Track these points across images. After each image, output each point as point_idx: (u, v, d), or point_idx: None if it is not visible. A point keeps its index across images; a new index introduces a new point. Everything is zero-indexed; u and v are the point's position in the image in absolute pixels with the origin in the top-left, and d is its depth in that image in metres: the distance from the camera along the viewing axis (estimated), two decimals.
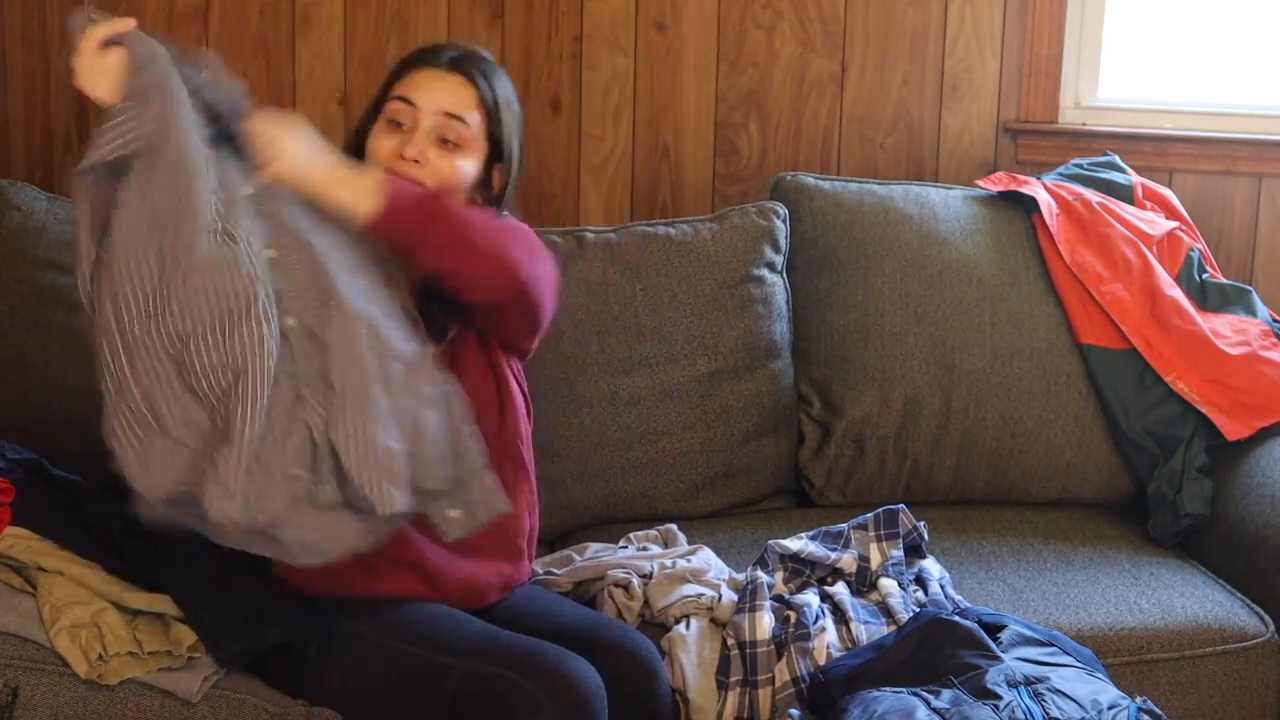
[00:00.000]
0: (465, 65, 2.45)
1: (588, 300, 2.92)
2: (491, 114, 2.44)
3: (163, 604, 2.36)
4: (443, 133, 2.40)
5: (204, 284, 2.12)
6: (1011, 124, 3.40)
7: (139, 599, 2.36)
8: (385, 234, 2.25)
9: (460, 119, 2.41)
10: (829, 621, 2.44)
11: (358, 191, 2.25)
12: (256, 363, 2.12)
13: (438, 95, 2.41)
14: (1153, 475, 2.94)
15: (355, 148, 2.46)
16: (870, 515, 2.66)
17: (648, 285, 2.96)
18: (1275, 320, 3.07)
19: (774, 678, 2.37)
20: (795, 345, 3.07)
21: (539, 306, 2.38)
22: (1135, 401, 2.97)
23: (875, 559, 2.60)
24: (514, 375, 2.50)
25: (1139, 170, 3.25)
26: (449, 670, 2.23)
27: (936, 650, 2.25)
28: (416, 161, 2.38)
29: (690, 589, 2.52)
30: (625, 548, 2.73)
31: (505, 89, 2.49)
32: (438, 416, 2.21)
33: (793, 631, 2.40)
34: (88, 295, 2.18)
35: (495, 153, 2.46)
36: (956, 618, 2.30)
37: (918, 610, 2.45)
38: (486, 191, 2.47)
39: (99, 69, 2.19)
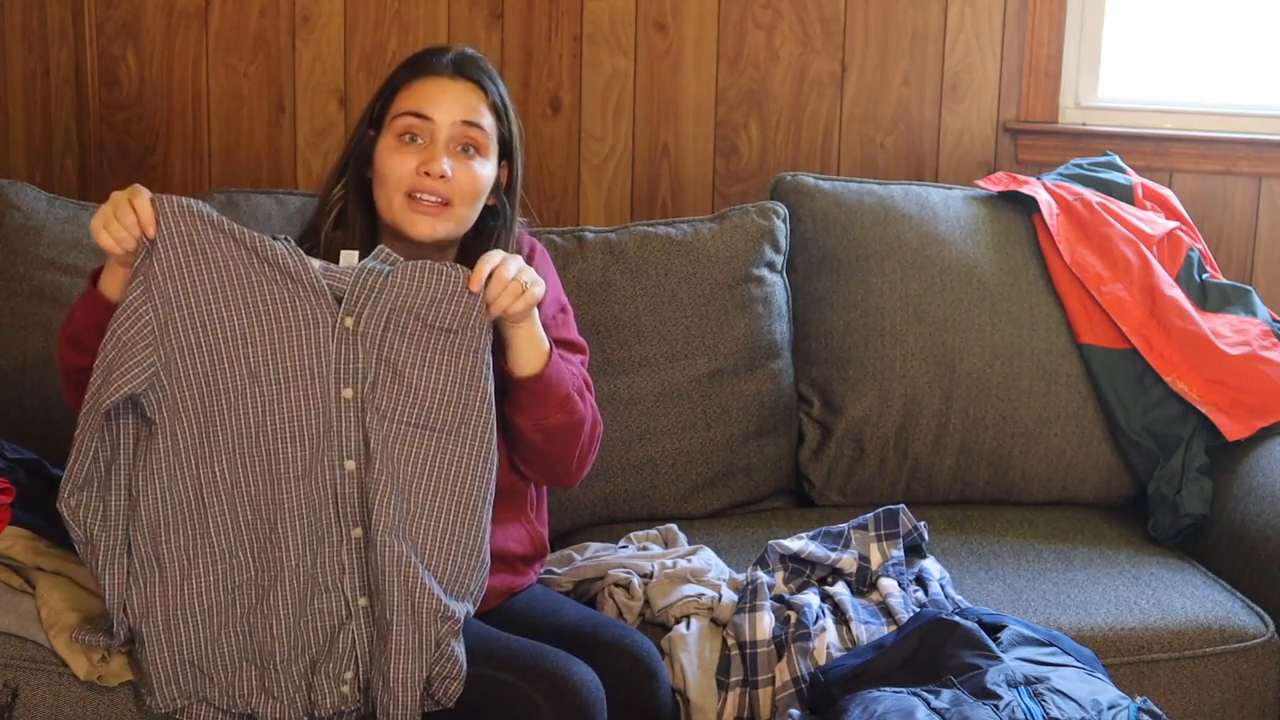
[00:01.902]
0: (470, 70, 2.43)
1: (588, 300, 2.92)
2: (501, 114, 2.43)
3: None
4: (462, 141, 2.38)
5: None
6: (1011, 124, 3.40)
7: None
8: (518, 391, 2.28)
9: (477, 125, 2.39)
10: (829, 621, 2.44)
11: (540, 343, 2.28)
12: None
13: (452, 105, 2.38)
14: (1153, 475, 2.94)
15: (358, 165, 2.44)
16: (870, 515, 2.66)
17: (648, 285, 2.96)
18: (1275, 320, 3.07)
19: (774, 678, 2.37)
20: (795, 345, 3.07)
21: (577, 480, 2.46)
22: (1135, 401, 2.97)
23: (875, 559, 2.60)
24: None
25: (1139, 170, 3.24)
26: None
27: (936, 650, 2.25)
28: (444, 177, 2.35)
29: (690, 589, 2.52)
30: (625, 547, 2.73)
31: (504, 87, 2.48)
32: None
33: (793, 631, 2.40)
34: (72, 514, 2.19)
35: (503, 151, 2.45)
36: (956, 618, 2.30)
37: (918, 610, 2.45)
38: (497, 189, 2.46)
39: (124, 222, 2.15)
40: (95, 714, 2.30)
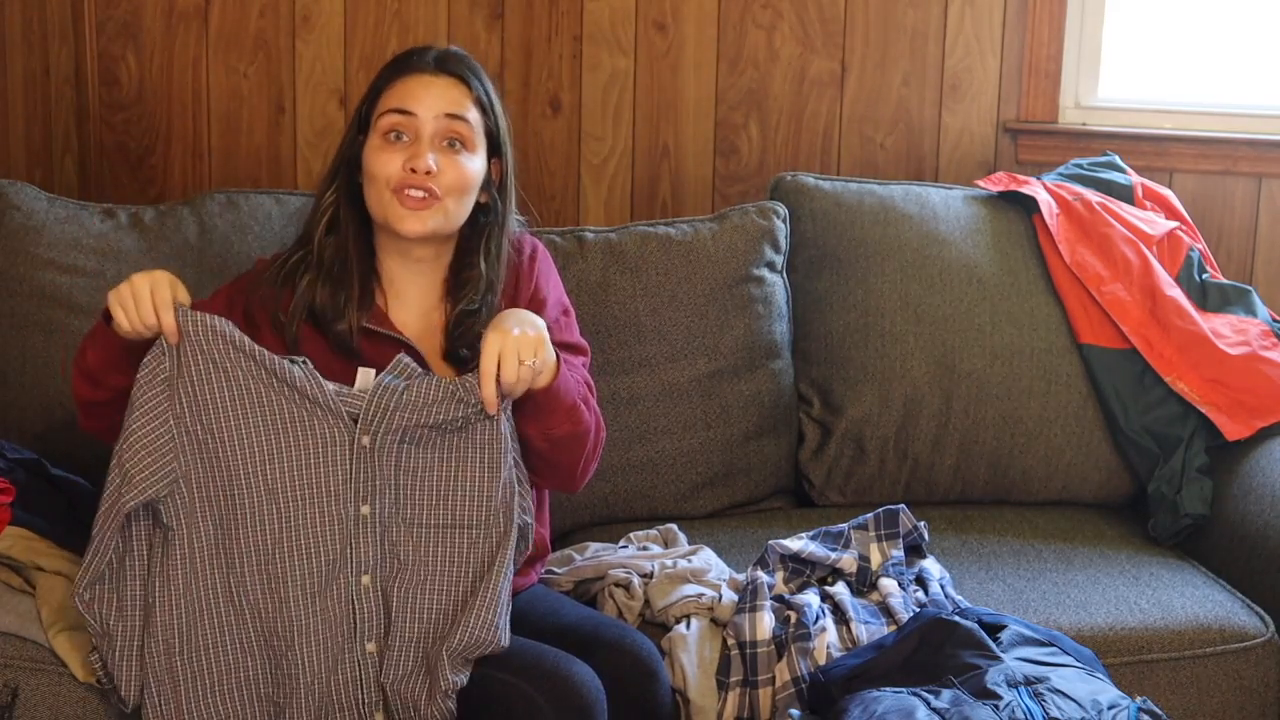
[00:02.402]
0: (452, 65, 2.42)
1: (588, 300, 2.92)
2: (487, 109, 2.42)
3: None
4: (447, 135, 2.38)
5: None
6: (1011, 124, 3.40)
7: None
8: (530, 401, 2.27)
9: (461, 118, 2.39)
10: (829, 621, 2.44)
11: (550, 363, 2.27)
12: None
13: (435, 100, 2.38)
14: (1153, 475, 2.94)
15: (348, 168, 2.43)
16: (870, 515, 2.66)
17: (648, 285, 2.96)
18: (1275, 320, 3.07)
19: (774, 678, 2.37)
20: (795, 345, 3.07)
21: (580, 486, 2.45)
22: (1135, 401, 2.97)
23: (875, 559, 2.60)
24: None
25: (1139, 170, 3.24)
26: None
27: (936, 650, 2.25)
28: (429, 173, 2.34)
29: (691, 589, 2.52)
30: (625, 547, 2.73)
31: (489, 83, 2.47)
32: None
33: (793, 631, 2.40)
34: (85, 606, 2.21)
35: (492, 147, 2.44)
36: (956, 618, 2.30)
37: (918, 610, 2.45)
38: (488, 186, 2.45)
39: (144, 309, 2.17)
40: (95, 714, 2.30)
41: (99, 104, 3.46)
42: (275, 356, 2.20)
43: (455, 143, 2.38)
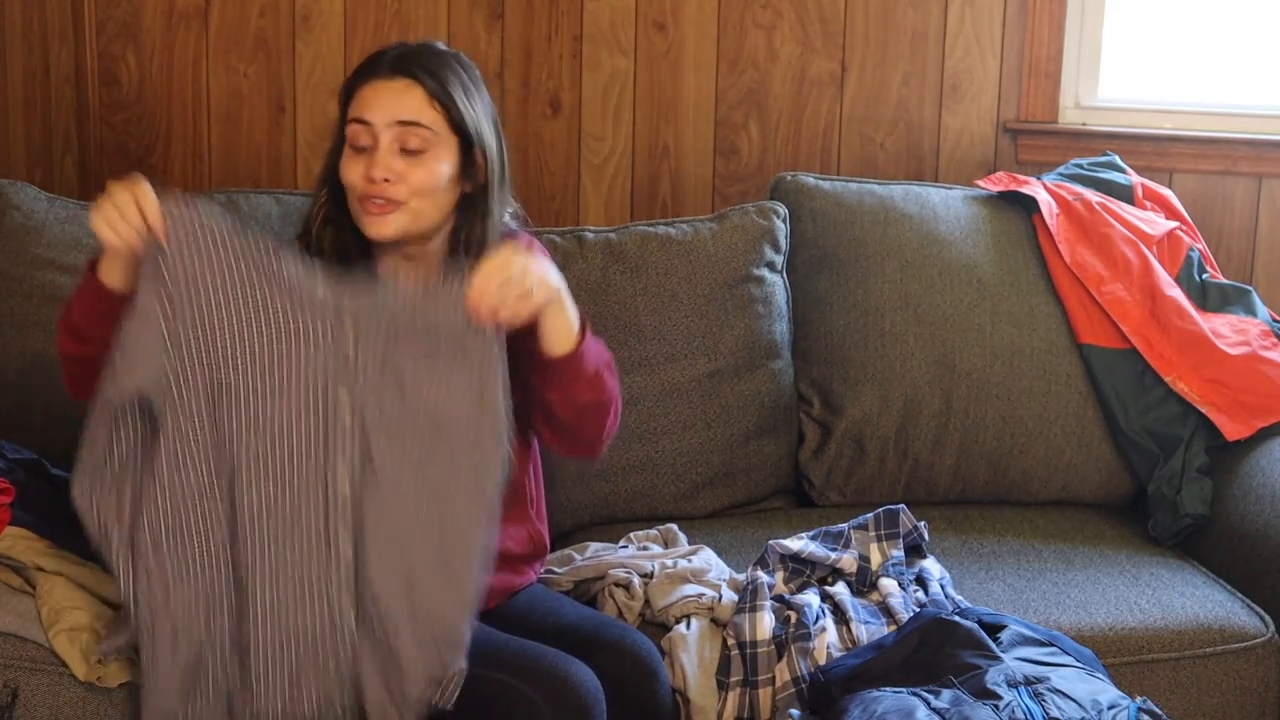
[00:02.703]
0: (406, 65, 2.37)
1: (588, 300, 2.92)
2: (449, 107, 2.36)
3: None
4: (403, 143, 2.33)
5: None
6: (1011, 124, 3.40)
7: None
8: (549, 370, 2.26)
9: (415, 123, 2.34)
10: (829, 621, 2.44)
11: (571, 321, 2.25)
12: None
13: (387, 106, 2.34)
14: (1153, 475, 2.94)
15: (333, 178, 2.42)
16: (870, 515, 2.66)
17: (648, 285, 2.96)
18: (1275, 320, 3.07)
19: (774, 678, 2.37)
20: (795, 345, 3.07)
21: (601, 452, 2.43)
22: (1135, 401, 2.97)
23: (875, 559, 2.60)
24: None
25: (1139, 170, 3.24)
26: None
27: (936, 650, 2.25)
28: (387, 180, 2.32)
29: (691, 589, 2.52)
30: (625, 547, 2.73)
31: (460, 76, 2.39)
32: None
33: (793, 631, 2.40)
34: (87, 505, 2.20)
35: (467, 141, 2.38)
36: (956, 618, 2.30)
37: (918, 610, 2.45)
38: (473, 182, 2.41)
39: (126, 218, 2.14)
40: (95, 714, 2.30)
41: (99, 104, 3.46)
42: (263, 241, 2.16)
43: (413, 148, 2.34)
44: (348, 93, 2.41)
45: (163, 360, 2.15)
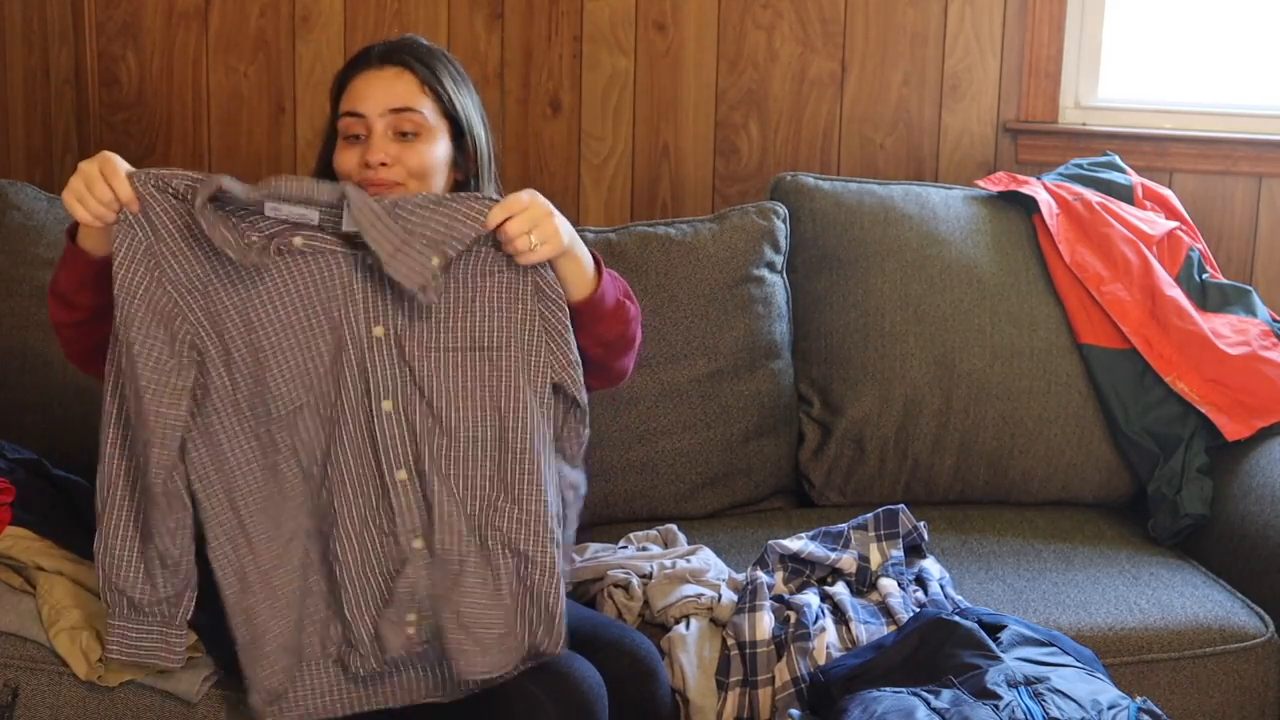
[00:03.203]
0: (396, 55, 2.40)
1: None
2: (439, 93, 2.39)
3: None
4: (398, 128, 2.35)
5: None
6: (1011, 124, 3.40)
7: None
8: (577, 313, 2.26)
9: (410, 109, 2.36)
10: (829, 621, 2.44)
11: (584, 266, 2.26)
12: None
13: (379, 95, 2.36)
14: (1153, 475, 2.94)
15: (325, 174, 2.42)
16: (870, 515, 2.66)
17: (648, 285, 2.96)
18: (1275, 320, 3.07)
19: (774, 678, 2.37)
20: (795, 345, 3.07)
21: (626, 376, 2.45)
22: (1135, 401, 2.97)
23: (875, 559, 2.60)
24: None
25: (1139, 170, 3.25)
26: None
27: (936, 650, 2.25)
28: (384, 164, 2.33)
29: (690, 589, 2.52)
30: (625, 548, 2.73)
31: (448, 68, 2.43)
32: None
33: (793, 631, 2.40)
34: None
35: (458, 129, 2.41)
36: (956, 618, 2.30)
37: (918, 610, 2.45)
38: (464, 169, 2.42)
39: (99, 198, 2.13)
40: (95, 713, 2.30)
41: (99, 104, 3.46)
42: (244, 200, 2.13)
43: (408, 132, 2.36)
44: (338, 90, 2.42)
45: (184, 327, 2.14)
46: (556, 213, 2.20)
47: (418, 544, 2.18)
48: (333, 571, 2.20)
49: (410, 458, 2.18)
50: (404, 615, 2.18)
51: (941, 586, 2.56)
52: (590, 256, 2.28)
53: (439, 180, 2.39)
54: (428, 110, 2.37)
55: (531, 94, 3.42)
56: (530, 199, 2.17)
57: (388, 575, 2.19)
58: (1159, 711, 2.17)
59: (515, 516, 2.19)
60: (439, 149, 2.38)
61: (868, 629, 2.43)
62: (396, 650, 2.19)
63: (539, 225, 2.17)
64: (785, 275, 3.08)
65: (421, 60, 2.40)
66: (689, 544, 2.73)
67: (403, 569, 2.18)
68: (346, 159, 2.37)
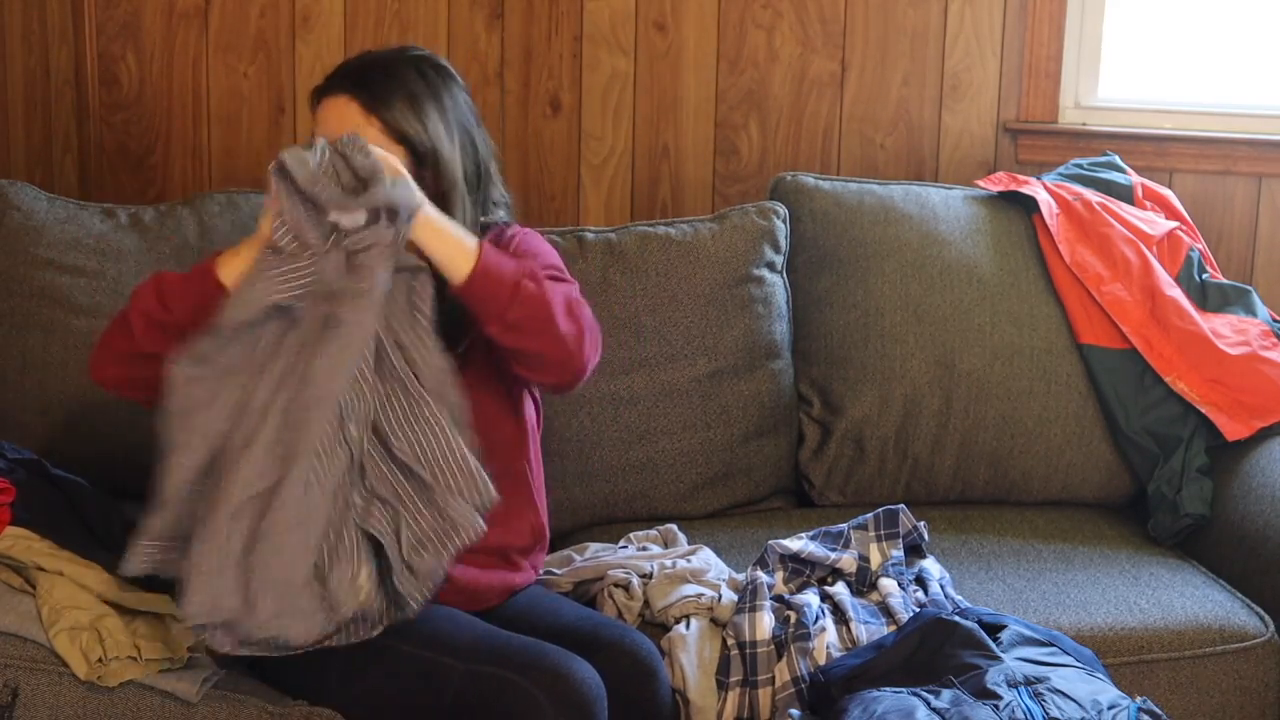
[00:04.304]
0: (346, 79, 2.38)
1: (588, 300, 2.91)
2: (385, 118, 2.34)
3: (162, 604, 2.36)
4: None
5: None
6: (1011, 124, 3.40)
7: (138, 599, 2.37)
8: (469, 299, 2.26)
9: None
10: (829, 621, 2.44)
11: (461, 250, 2.27)
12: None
13: (329, 125, 2.35)
14: (1153, 475, 2.94)
15: None
16: (870, 515, 2.66)
17: (648, 285, 2.96)
18: (1275, 320, 3.07)
19: (774, 678, 2.37)
20: (795, 345, 3.07)
21: (580, 382, 2.39)
22: (1135, 401, 2.97)
23: (875, 559, 2.60)
24: (525, 385, 2.50)
25: (1139, 170, 3.25)
26: (449, 671, 2.23)
27: (936, 650, 2.25)
28: None
29: (690, 589, 2.52)
30: (625, 548, 2.73)
31: (411, 84, 2.37)
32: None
33: (793, 631, 2.40)
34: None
35: (418, 153, 2.36)
36: (956, 618, 2.30)
37: (918, 610, 2.45)
38: (431, 187, 2.36)
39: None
40: (95, 713, 2.30)
41: (99, 104, 3.46)
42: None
43: None
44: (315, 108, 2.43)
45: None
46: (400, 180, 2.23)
47: (358, 500, 2.22)
48: (270, 533, 2.20)
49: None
50: (356, 575, 2.20)
51: (941, 586, 2.56)
52: (470, 237, 2.27)
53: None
54: (374, 139, 2.31)
55: (531, 94, 3.42)
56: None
57: (332, 534, 2.21)
58: (1159, 711, 2.17)
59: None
60: None
61: (868, 629, 2.43)
62: (348, 612, 2.22)
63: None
64: (785, 275, 3.08)
65: (369, 84, 2.36)
66: (689, 544, 2.73)
67: (347, 523, 2.21)
68: None
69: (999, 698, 2.12)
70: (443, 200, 2.36)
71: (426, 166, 2.36)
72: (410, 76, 2.38)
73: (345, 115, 2.35)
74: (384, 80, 2.37)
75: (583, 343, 2.33)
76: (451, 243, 2.26)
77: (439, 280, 2.29)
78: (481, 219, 2.46)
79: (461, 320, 2.37)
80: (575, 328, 2.31)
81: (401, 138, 2.35)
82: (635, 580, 2.56)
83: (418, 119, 2.36)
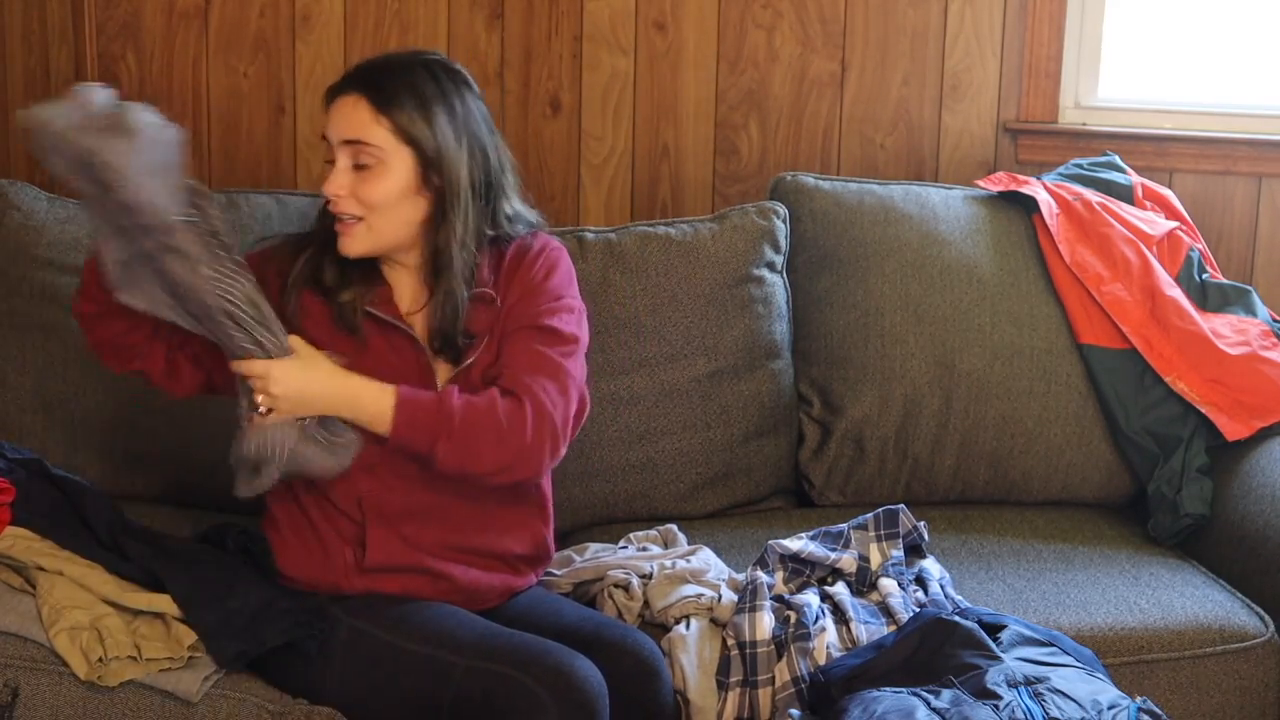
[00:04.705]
0: (358, 81, 2.39)
1: (588, 300, 2.91)
2: (395, 119, 2.35)
3: (163, 604, 2.36)
4: (355, 159, 2.36)
5: None
6: (1011, 124, 3.40)
7: (139, 599, 2.37)
8: (400, 449, 2.32)
9: (361, 141, 2.35)
10: (829, 621, 2.44)
11: (370, 417, 2.32)
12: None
13: (339, 125, 2.37)
14: (1153, 475, 2.94)
15: None
16: (870, 515, 2.66)
17: (648, 285, 2.96)
18: (1275, 320, 3.07)
19: (774, 678, 2.37)
20: (795, 345, 3.07)
21: (542, 474, 2.44)
22: (1135, 401, 2.97)
23: (875, 559, 2.60)
24: None
25: (1139, 170, 3.24)
26: (451, 668, 2.23)
27: (936, 650, 2.25)
28: (338, 196, 2.35)
29: (690, 589, 2.52)
30: (625, 548, 2.73)
31: (422, 87, 2.38)
32: None
33: (793, 631, 2.40)
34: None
35: (425, 156, 2.37)
36: (956, 618, 2.30)
37: (918, 610, 2.45)
38: (435, 189, 2.38)
39: None
40: (95, 713, 2.30)
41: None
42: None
43: (362, 164, 2.36)
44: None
45: None
46: (303, 367, 2.31)
47: None
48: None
49: None
50: None
51: (941, 586, 2.56)
52: (390, 398, 2.32)
53: (403, 213, 2.38)
54: (382, 140, 2.35)
55: (531, 94, 3.42)
56: (268, 382, 2.28)
57: None
58: (1159, 711, 2.17)
59: None
60: (394, 181, 2.36)
61: (868, 629, 2.43)
62: None
63: (266, 385, 2.28)
64: (785, 275, 3.08)
65: (382, 85, 2.37)
66: (689, 544, 2.73)
67: None
68: (325, 186, 2.39)
69: (999, 698, 2.12)
70: (443, 206, 2.38)
71: (432, 170, 2.37)
72: (422, 79, 2.39)
73: (352, 116, 2.36)
74: (395, 81, 2.37)
75: (521, 454, 2.34)
76: (361, 414, 2.34)
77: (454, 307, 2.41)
78: (490, 232, 2.46)
79: (466, 335, 2.39)
80: (506, 443, 2.33)
81: (409, 139, 2.36)
82: (635, 580, 2.56)
83: (426, 122, 2.36)
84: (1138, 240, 3.05)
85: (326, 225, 2.43)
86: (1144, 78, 3.46)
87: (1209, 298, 3.05)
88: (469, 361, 2.41)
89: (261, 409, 2.29)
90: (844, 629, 2.45)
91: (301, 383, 2.30)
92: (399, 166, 2.36)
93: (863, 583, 2.58)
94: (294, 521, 2.43)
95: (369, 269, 2.44)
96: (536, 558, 2.52)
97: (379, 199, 2.36)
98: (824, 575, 2.60)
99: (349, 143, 2.36)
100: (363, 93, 2.37)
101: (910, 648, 2.28)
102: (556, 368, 2.39)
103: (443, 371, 2.42)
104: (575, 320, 2.48)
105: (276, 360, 2.29)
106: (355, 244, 2.39)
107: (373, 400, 2.32)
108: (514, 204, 2.50)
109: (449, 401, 2.32)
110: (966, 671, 2.19)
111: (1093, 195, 3.12)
